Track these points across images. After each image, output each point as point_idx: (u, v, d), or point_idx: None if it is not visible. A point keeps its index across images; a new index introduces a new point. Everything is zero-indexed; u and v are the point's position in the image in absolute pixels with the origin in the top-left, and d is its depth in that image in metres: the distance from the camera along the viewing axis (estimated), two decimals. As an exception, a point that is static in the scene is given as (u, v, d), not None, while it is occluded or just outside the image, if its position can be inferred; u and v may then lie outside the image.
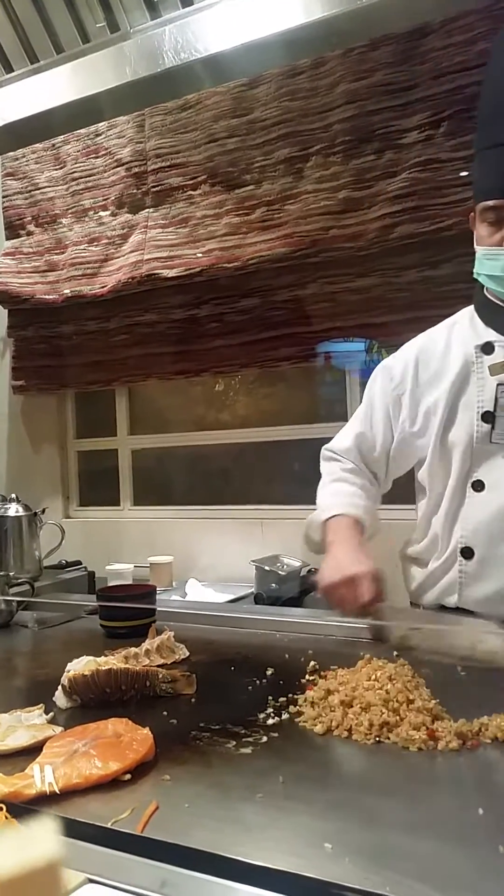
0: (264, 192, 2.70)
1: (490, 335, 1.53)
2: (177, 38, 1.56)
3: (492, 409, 1.49)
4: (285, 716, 1.03)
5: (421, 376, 1.61)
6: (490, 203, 1.43)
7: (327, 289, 2.71)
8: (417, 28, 2.32)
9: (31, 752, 0.92)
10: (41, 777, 0.81)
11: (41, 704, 1.08)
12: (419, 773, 0.87)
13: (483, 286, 1.54)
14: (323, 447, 1.79)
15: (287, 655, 1.35)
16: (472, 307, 1.61)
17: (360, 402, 1.74)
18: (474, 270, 1.51)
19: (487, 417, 1.49)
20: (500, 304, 1.52)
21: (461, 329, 1.60)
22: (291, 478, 3.09)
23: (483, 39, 2.23)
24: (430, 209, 2.35)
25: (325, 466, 1.76)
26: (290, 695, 1.11)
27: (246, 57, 1.58)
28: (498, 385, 1.49)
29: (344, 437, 1.73)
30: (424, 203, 2.36)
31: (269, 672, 1.23)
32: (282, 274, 2.76)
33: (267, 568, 2.60)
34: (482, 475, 1.51)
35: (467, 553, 1.51)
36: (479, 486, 1.51)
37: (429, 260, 2.46)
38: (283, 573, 2.59)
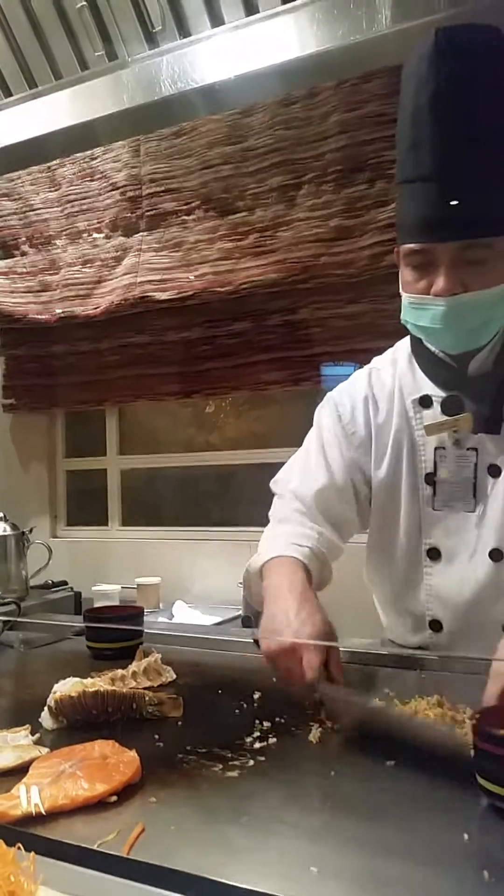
0: (257, 219, 2.74)
1: (427, 386, 1.38)
2: (173, 68, 1.60)
3: (433, 472, 1.36)
4: (272, 739, 1.03)
5: (373, 421, 1.44)
6: (414, 247, 1.23)
7: (318, 314, 2.75)
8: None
9: (17, 772, 0.92)
10: (27, 798, 0.81)
11: (27, 725, 1.08)
12: (406, 798, 0.87)
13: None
14: (272, 482, 1.58)
15: (274, 679, 1.34)
16: (407, 346, 1.46)
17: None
18: (402, 318, 1.32)
19: (429, 480, 1.37)
20: (436, 353, 1.36)
21: (401, 373, 1.44)
22: (280, 501, 3.10)
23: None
24: (420, 238, 2.38)
25: (275, 506, 1.53)
26: (276, 719, 1.11)
27: (241, 87, 1.61)
28: (436, 449, 1.35)
29: (305, 483, 1.48)
30: (414, 232, 2.39)
31: (256, 695, 1.22)
32: (273, 299, 2.79)
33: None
34: (435, 542, 1.38)
35: (435, 626, 1.40)
36: (434, 554, 1.38)
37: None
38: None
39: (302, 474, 1.51)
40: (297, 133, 2.65)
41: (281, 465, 3.26)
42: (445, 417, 1.33)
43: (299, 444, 3.29)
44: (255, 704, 1.19)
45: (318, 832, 0.78)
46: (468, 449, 1.33)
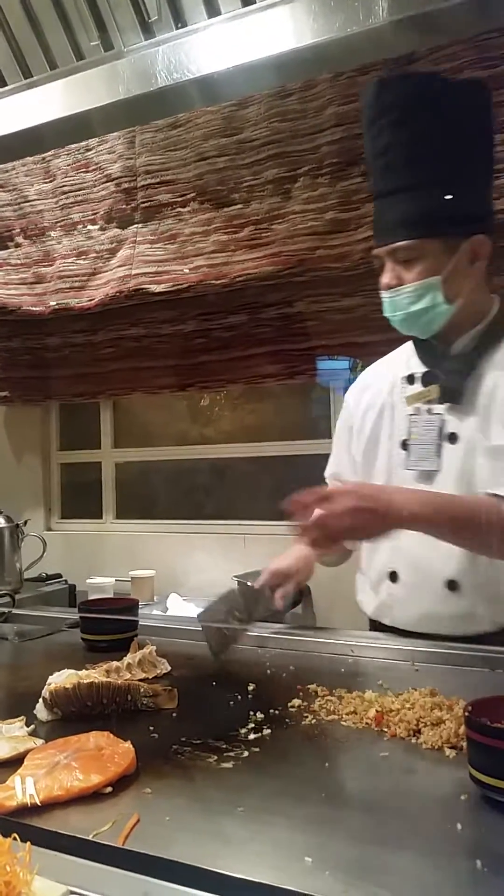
0: (252, 211, 2.73)
1: (415, 366, 1.61)
2: (170, 59, 1.58)
3: (406, 438, 1.56)
4: (266, 731, 1.04)
5: (361, 405, 1.69)
6: (373, 252, 1.55)
7: (313, 307, 2.75)
8: (405, 55, 2.36)
9: (12, 763, 0.92)
10: (22, 789, 0.81)
11: (22, 717, 1.08)
12: (399, 789, 0.87)
13: None
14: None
15: (269, 671, 1.35)
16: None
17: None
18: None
19: (403, 445, 1.57)
20: (426, 338, 1.59)
21: (399, 358, 1.68)
22: (275, 493, 3.09)
23: (469, 67, 2.28)
24: (416, 231, 2.38)
25: None
26: (271, 710, 1.11)
27: (237, 78, 1.60)
28: (410, 415, 1.57)
29: (327, 473, 1.80)
30: (410, 225, 2.39)
31: (250, 687, 1.23)
32: (268, 292, 2.78)
33: (249, 583, 2.60)
34: None
35: (393, 577, 1.56)
36: None
37: (413, 281, 2.50)
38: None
39: (328, 477, 1.81)
40: (293, 125, 2.63)
41: (275, 458, 3.28)
42: (421, 389, 1.57)
43: (294, 437, 3.31)
44: (250, 696, 1.20)
45: (311, 823, 0.78)
46: (434, 414, 1.55)
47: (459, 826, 0.76)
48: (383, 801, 0.84)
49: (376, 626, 1.63)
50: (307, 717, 1.09)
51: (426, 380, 1.57)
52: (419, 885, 0.67)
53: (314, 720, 1.08)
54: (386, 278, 1.51)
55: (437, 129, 1.48)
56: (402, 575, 1.54)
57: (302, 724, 1.07)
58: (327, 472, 1.81)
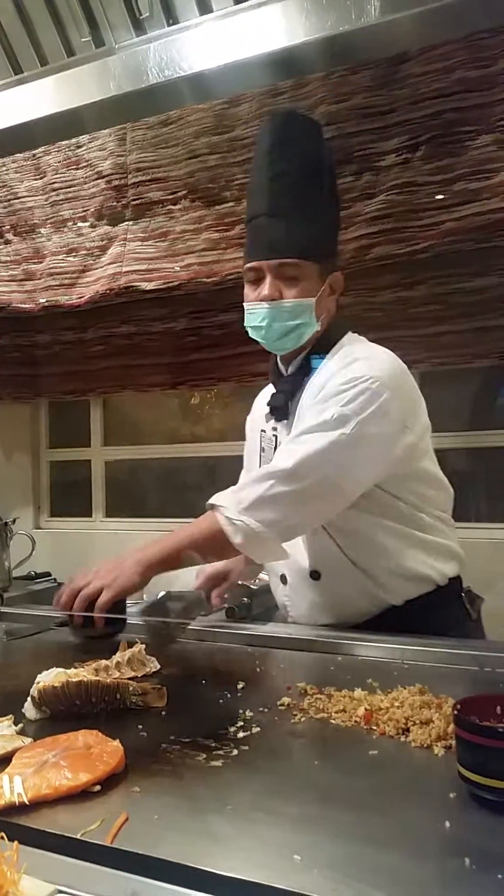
0: (244, 209, 2.72)
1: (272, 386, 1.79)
2: (161, 56, 1.58)
3: (263, 450, 1.78)
4: (256, 729, 1.04)
5: (249, 423, 1.96)
6: (249, 265, 1.66)
7: (304, 306, 2.75)
8: (397, 54, 2.37)
9: (0, 763, 0.92)
10: (10, 788, 0.81)
11: (10, 715, 1.08)
12: (388, 787, 0.88)
13: None
14: None
15: (258, 669, 1.35)
16: None
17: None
18: (244, 324, 1.70)
19: (263, 458, 1.76)
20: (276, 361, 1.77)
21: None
22: (265, 492, 3.10)
23: (460, 68, 2.28)
24: (406, 231, 2.38)
25: None
26: (260, 709, 1.11)
27: (229, 76, 1.60)
28: (261, 431, 1.79)
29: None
30: (401, 225, 2.39)
31: (240, 686, 1.23)
32: (260, 290, 2.78)
33: (239, 582, 2.60)
34: None
35: (283, 580, 1.73)
36: None
37: (404, 281, 2.51)
38: (254, 587, 2.59)
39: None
40: (285, 124, 2.63)
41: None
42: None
43: (284, 436, 3.22)
44: (239, 694, 1.19)
45: (301, 821, 0.79)
46: (271, 433, 1.76)
47: (448, 824, 0.77)
48: (372, 800, 0.84)
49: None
50: (296, 715, 1.09)
51: (272, 399, 1.74)
52: (408, 883, 0.67)
53: (303, 718, 1.08)
54: (266, 290, 1.61)
55: (322, 164, 1.68)
56: (289, 576, 1.70)
57: (291, 722, 1.07)
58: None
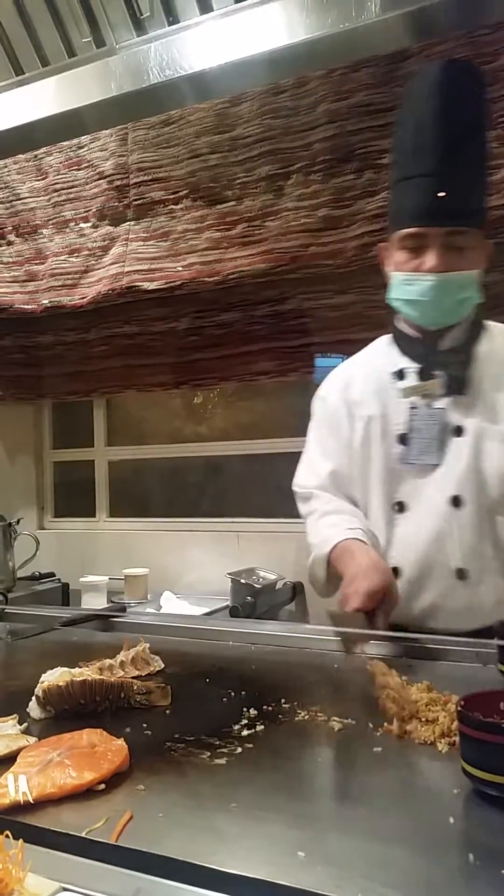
0: (245, 209, 2.73)
1: (403, 362, 1.62)
2: (162, 55, 1.58)
3: (406, 432, 1.58)
4: (260, 727, 1.04)
5: (347, 401, 1.69)
6: (410, 231, 1.51)
7: (306, 305, 2.75)
8: (397, 52, 2.37)
9: (5, 762, 0.92)
10: (15, 787, 0.81)
11: (15, 715, 1.08)
12: (392, 783, 0.88)
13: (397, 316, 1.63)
14: (294, 485, 1.79)
15: (262, 667, 1.35)
16: (388, 336, 1.72)
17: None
18: (389, 296, 1.59)
19: (402, 439, 1.58)
20: (411, 332, 1.62)
21: (378, 357, 1.70)
22: (269, 491, 3.10)
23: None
24: (409, 229, 2.38)
25: (304, 507, 1.75)
26: (264, 707, 1.11)
27: (230, 75, 1.59)
28: (410, 408, 1.58)
29: (315, 475, 1.73)
30: (402, 222, 2.39)
31: (243, 684, 1.23)
32: (262, 289, 2.78)
33: (243, 581, 2.60)
34: (402, 496, 1.59)
35: (396, 572, 1.56)
36: (400, 507, 1.59)
37: (406, 278, 2.50)
38: (258, 586, 2.59)
39: (308, 468, 1.76)
40: (286, 122, 2.63)
41: (269, 455, 3.28)
42: (419, 382, 1.58)
43: (288, 435, 3.31)
44: (243, 693, 1.19)
45: (304, 818, 0.79)
46: (436, 408, 1.56)
47: (452, 820, 0.77)
48: (376, 796, 0.84)
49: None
50: (300, 713, 1.09)
51: (424, 374, 1.58)
52: (411, 879, 0.67)
53: (307, 716, 1.08)
54: (435, 261, 1.47)
55: (487, 121, 1.55)
56: (406, 569, 1.56)
57: (295, 720, 1.07)
58: (315, 475, 1.73)
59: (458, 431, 1.54)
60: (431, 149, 1.49)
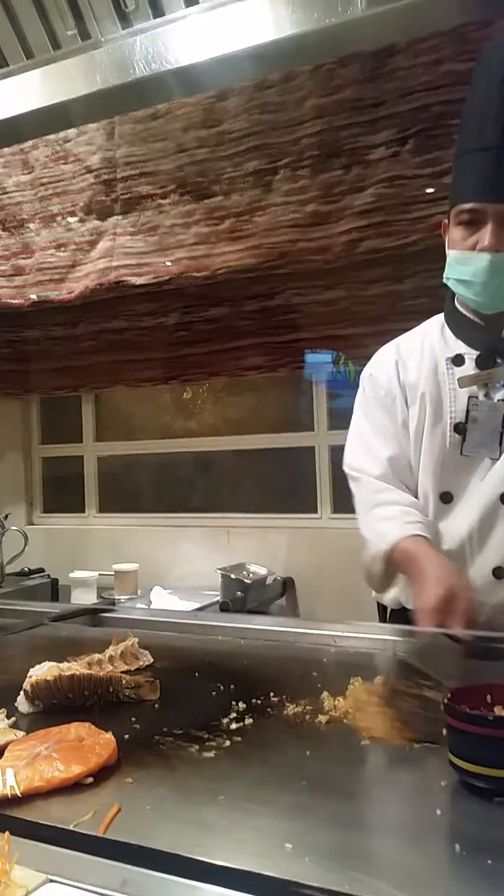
0: (233, 204, 2.73)
1: (460, 347, 1.54)
2: (147, 49, 1.57)
3: (464, 421, 1.50)
4: (248, 721, 1.04)
5: (402, 381, 1.59)
6: (465, 206, 1.43)
7: (295, 300, 2.75)
8: (385, 47, 2.37)
9: (-7, 756, 0.92)
10: (2, 780, 0.81)
11: (2, 709, 1.08)
12: (379, 776, 0.88)
13: (453, 296, 1.54)
14: (346, 468, 1.68)
15: (251, 662, 1.35)
16: (440, 317, 1.61)
17: (354, 412, 1.70)
18: (445, 275, 1.50)
19: (459, 429, 1.50)
20: (470, 316, 1.52)
21: (432, 340, 1.59)
22: (258, 486, 3.11)
23: (448, 61, 2.28)
24: (396, 224, 2.39)
25: (358, 492, 1.65)
26: (253, 700, 1.11)
27: (216, 69, 1.59)
28: (470, 397, 1.50)
29: (373, 459, 1.61)
30: (390, 218, 2.40)
31: (232, 678, 1.23)
32: (250, 284, 2.78)
33: (233, 576, 2.61)
34: (450, 487, 1.53)
35: None
36: (447, 497, 1.53)
37: (394, 274, 2.51)
38: (249, 581, 2.60)
39: (367, 453, 1.63)
40: (273, 117, 2.63)
41: (259, 450, 3.26)
42: (478, 371, 1.49)
43: (278, 430, 3.28)
44: (232, 686, 1.20)
45: (292, 810, 0.79)
46: (499, 400, 1.49)
47: (438, 811, 0.77)
48: (364, 789, 0.85)
49: (397, 617, 1.60)
50: (289, 706, 1.09)
51: (484, 362, 1.50)
52: (398, 870, 0.67)
53: (295, 710, 1.08)
54: (491, 239, 1.39)
55: None
56: (453, 563, 1.48)
57: (283, 713, 1.07)
58: (373, 459, 1.61)
59: None
60: (494, 121, 1.40)
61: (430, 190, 2.32)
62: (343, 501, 2.40)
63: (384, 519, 1.53)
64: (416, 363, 1.58)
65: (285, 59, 1.66)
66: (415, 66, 2.35)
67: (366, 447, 1.63)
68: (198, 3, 1.54)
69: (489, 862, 0.67)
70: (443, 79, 2.29)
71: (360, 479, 1.63)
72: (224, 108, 2.73)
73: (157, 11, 1.58)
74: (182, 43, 1.53)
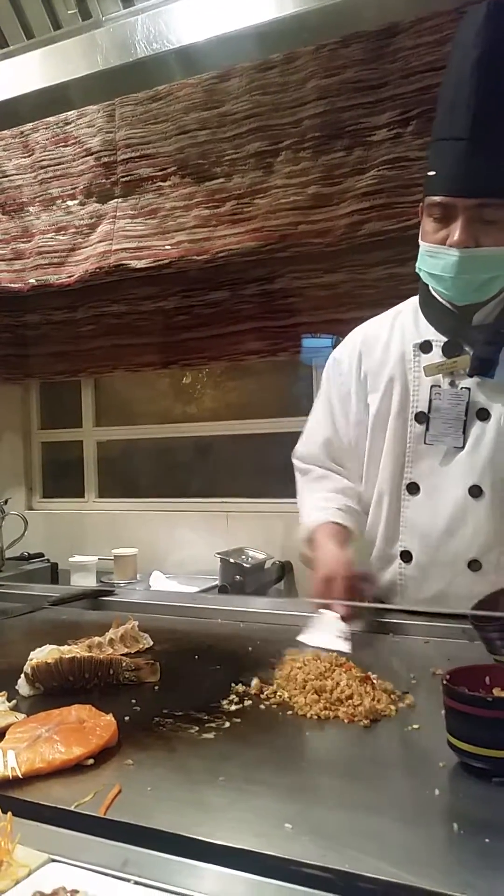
0: (234, 186, 2.71)
1: (430, 333, 1.51)
2: (149, 28, 1.56)
3: (426, 411, 1.47)
4: (248, 702, 1.05)
5: (363, 369, 1.58)
6: (436, 199, 1.38)
7: (296, 284, 2.74)
8: (388, 27, 2.34)
9: (-6, 738, 0.92)
10: (4, 762, 0.81)
11: (3, 692, 1.08)
12: (378, 757, 0.89)
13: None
14: (292, 455, 1.73)
15: (250, 644, 1.36)
16: (415, 299, 1.58)
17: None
18: (416, 265, 1.47)
19: (421, 418, 1.48)
20: (443, 302, 1.49)
21: (403, 322, 1.57)
22: (257, 471, 3.11)
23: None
24: (398, 207, 2.37)
25: (298, 477, 1.72)
26: (253, 682, 1.12)
27: (218, 50, 1.58)
28: (432, 386, 1.47)
29: (310, 444, 1.67)
30: (392, 201, 2.38)
31: (232, 660, 1.24)
32: (251, 268, 2.77)
33: (232, 560, 2.62)
34: (416, 477, 1.50)
35: (406, 556, 1.52)
36: (414, 488, 1.51)
37: (396, 257, 2.49)
38: (247, 565, 2.60)
39: (306, 436, 1.70)
40: (275, 98, 2.61)
41: (258, 435, 3.26)
42: (444, 360, 1.47)
43: (277, 415, 3.29)
44: (231, 669, 1.20)
45: (291, 791, 0.79)
46: (462, 388, 1.46)
47: (437, 792, 0.78)
48: (363, 769, 0.85)
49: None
50: (286, 689, 1.09)
51: (450, 350, 1.46)
52: (396, 849, 0.68)
53: (294, 692, 1.08)
54: (460, 235, 1.35)
55: None
56: (416, 555, 1.51)
57: (282, 696, 1.08)
58: (310, 444, 1.67)
59: (484, 415, 1.44)
60: (465, 108, 1.33)
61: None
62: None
63: (309, 506, 1.60)
64: (382, 347, 1.57)
65: (288, 39, 1.64)
66: (418, 47, 2.33)
67: (308, 432, 1.70)
68: (199, -19, 1.52)
69: (487, 841, 0.67)
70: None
71: (297, 465, 1.71)
72: (225, 90, 2.70)
73: (158, -11, 1.56)
74: (184, 22, 1.52)
